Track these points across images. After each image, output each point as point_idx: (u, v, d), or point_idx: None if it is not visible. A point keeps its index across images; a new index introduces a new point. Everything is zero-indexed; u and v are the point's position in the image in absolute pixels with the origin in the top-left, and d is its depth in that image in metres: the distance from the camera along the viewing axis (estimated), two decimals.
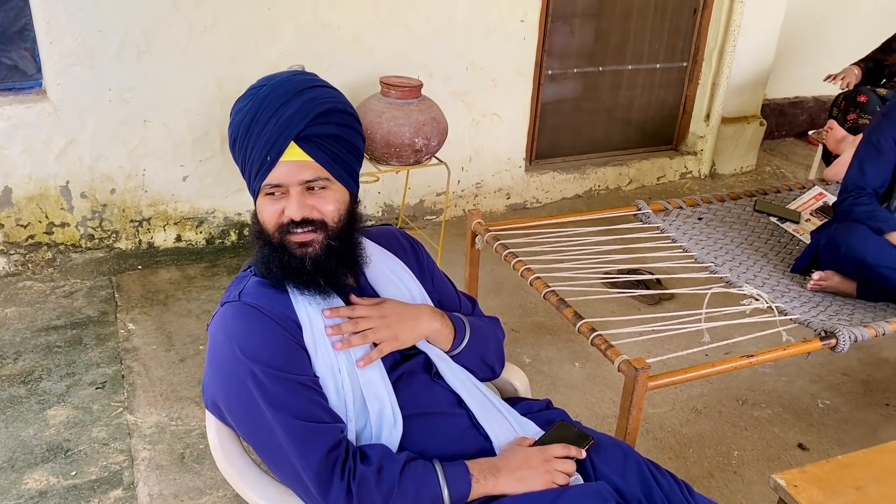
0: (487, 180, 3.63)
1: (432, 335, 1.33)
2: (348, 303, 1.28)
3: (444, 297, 1.47)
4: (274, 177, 1.18)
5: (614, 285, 2.78)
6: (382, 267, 1.37)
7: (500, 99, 3.46)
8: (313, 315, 1.22)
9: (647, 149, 4.12)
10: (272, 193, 1.19)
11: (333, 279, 1.24)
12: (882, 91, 3.33)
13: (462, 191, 3.59)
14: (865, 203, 2.21)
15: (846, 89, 3.38)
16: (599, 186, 3.94)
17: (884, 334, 2.00)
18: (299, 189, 1.19)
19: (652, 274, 2.95)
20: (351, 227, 1.26)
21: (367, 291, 1.33)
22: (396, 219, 3.45)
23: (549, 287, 2.02)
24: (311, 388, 1.16)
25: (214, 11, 2.80)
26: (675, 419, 2.31)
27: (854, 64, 3.53)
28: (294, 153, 1.18)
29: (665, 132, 4.15)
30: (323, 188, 1.21)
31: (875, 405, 2.43)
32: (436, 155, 2.98)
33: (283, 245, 1.21)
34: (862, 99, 3.23)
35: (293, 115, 1.18)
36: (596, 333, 1.82)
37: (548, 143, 3.86)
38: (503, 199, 3.71)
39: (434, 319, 1.33)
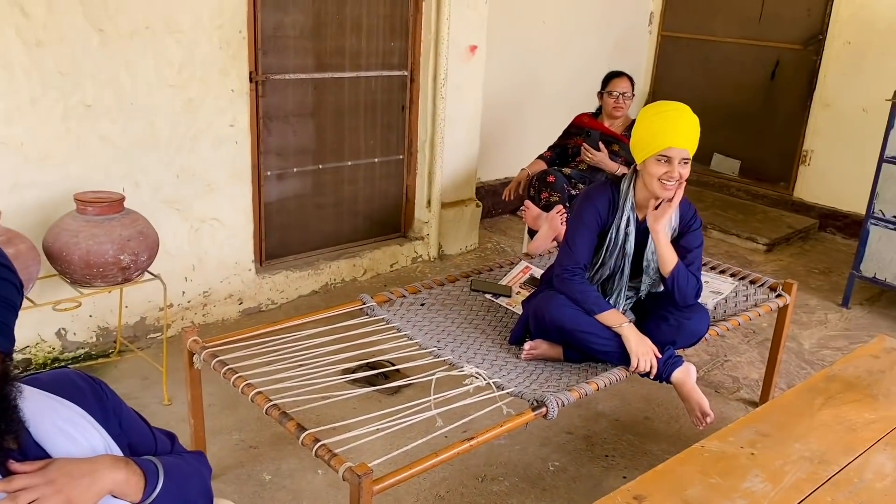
0: (216, 287, 3.48)
1: (117, 488, 1.19)
2: (7, 472, 1.10)
3: (136, 438, 1.33)
4: None
5: (356, 381, 2.76)
6: (54, 419, 1.21)
7: (218, 204, 3.36)
8: None
9: (378, 238, 4.24)
10: None
11: None
12: (566, 170, 3.78)
13: (189, 302, 3.39)
14: (580, 283, 2.41)
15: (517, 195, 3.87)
16: (335, 280, 3.95)
17: (586, 395, 2.19)
18: None
19: (393, 364, 2.98)
20: (1, 390, 1.10)
21: (33, 453, 1.16)
22: (114, 342, 3.15)
23: (271, 401, 1.94)
24: None
25: None
26: None
27: (538, 157, 3.97)
28: None
29: (392, 221, 4.31)
30: None
31: (597, 458, 2.64)
32: (148, 270, 2.79)
33: None
34: (551, 179, 3.63)
35: None
36: (319, 444, 1.76)
37: (277, 243, 3.81)
38: (235, 305, 3.57)
39: (117, 470, 1.19)
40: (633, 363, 2.32)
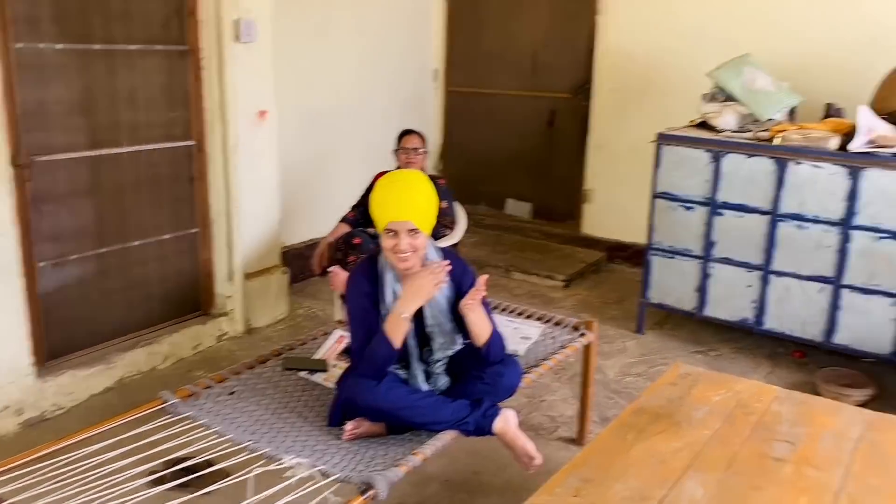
0: None
1: None
2: None
3: None
4: None
5: (170, 489, 2.49)
6: None
7: None
8: None
9: (177, 320, 3.94)
10: None
11: None
12: (371, 230, 3.76)
13: None
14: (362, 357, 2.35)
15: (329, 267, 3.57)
16: (132, 372, 3.61)
17: (415, 467, 2.13)
18: None
19: (210, 463, 2.71)
20: None
21: None
22: None
23: None
24: None
25: None
26: None
27: (342, 220, 3.93)
28: None
29: (191, 299, 4.04)
30: None
31: None
32: None
33: None
34: (357, 241, 3.60)
35: None
36: None
37: (60, 340, 3.41)
38: (14, 417, 3.13)
39: None
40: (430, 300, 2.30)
